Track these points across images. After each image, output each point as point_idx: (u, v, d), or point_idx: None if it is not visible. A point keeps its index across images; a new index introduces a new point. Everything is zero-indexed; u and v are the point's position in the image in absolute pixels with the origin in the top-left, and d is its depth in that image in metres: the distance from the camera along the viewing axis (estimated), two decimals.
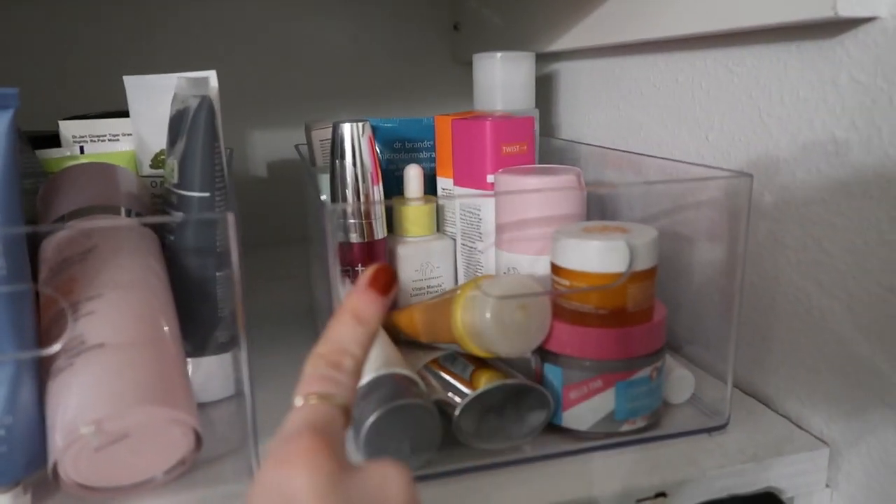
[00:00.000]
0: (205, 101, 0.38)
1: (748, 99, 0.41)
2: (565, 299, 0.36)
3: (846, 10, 0.32)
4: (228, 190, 0.40)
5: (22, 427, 0.31)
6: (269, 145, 0.83)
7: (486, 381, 0.35)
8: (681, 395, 0.40)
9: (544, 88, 0.67)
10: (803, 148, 0.37)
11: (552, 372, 0.36)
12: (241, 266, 0.30)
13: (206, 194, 0.39)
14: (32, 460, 0.31)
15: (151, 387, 0.31)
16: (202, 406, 0.40)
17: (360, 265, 0.49)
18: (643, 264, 0.35)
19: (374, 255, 0.49)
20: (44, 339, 0.32)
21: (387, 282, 0.26)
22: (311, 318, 0.59)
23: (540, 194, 0.44)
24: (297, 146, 0.61)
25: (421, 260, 0.53)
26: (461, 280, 0.53)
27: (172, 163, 0.40)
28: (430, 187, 0.55)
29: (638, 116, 0.52)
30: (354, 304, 0.26)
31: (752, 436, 0.37)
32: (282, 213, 0.83)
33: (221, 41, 0.79)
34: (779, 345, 0.40)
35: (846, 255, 0.35)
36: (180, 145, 0.39)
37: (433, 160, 0.58)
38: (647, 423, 0.37)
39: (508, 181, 0.45)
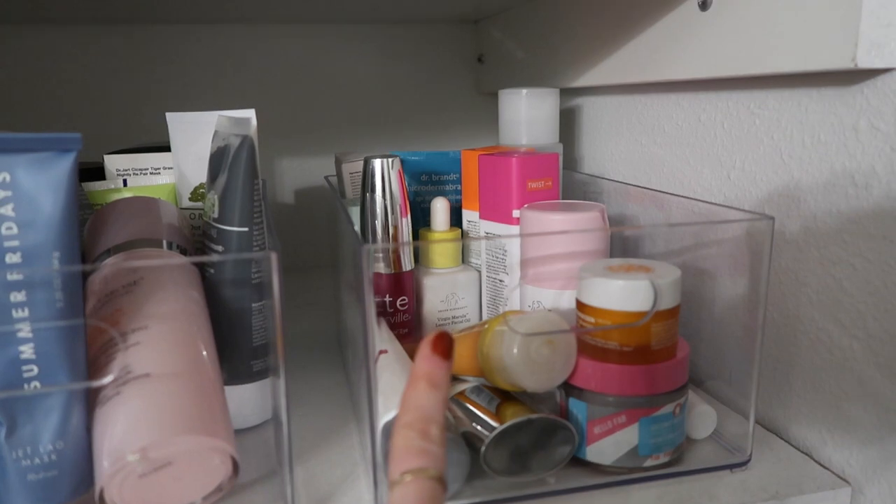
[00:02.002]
0: (246, 141, 0.40)
1: (770, 140, 0.42)
2: (590, 336, 0.37)
3: (865, 62, 0.33)
4: (268, 224, 0.41)
5: (71, 452, 0.32)
6: (296, 172, 0.85)
7: (512, 415, 0.36)
8: (703, 430, 0.41)
9: (567, 122, 0.68)
10: (824, 189, 0.38)
11: (577, 406, 0.37)
12: (282, 300, 0.31)
13: (245, 229, 0.41)
14: (79, 485, 0.33)
15: (194, 416, 0.32)
16: (235, 433, 0.42)
17: (388, 296, 0.51)
18: (667, 303, 0.36)
19: (402, 286, 0.51)
20: (91, 367, 0.34)
21: (448, 346, 0.29)
22: (338, 345, 0.61)
23: (564, 229, 0.45)
24: (327, 178, 0.63)
25: (447, 291, 0.54)
26: (486, 310, 0.54)
27: (213, 198, 0.42)
28: (455, 219, 0.57)
29: (660, 153, 0.54)
30: (426, 370, 0.28)
31: (773, 473, 0.38)
32: (308, 240, 0.85)
33: (251, 73, 0.81)
34: (800, 382, 0.40)
35: (866, 296, 0.36)
36: (221, 181, 0.41)
37: (459, 192, 0.59)
38: (671, 459, 0.38)
39: (534, 218, 0.46)
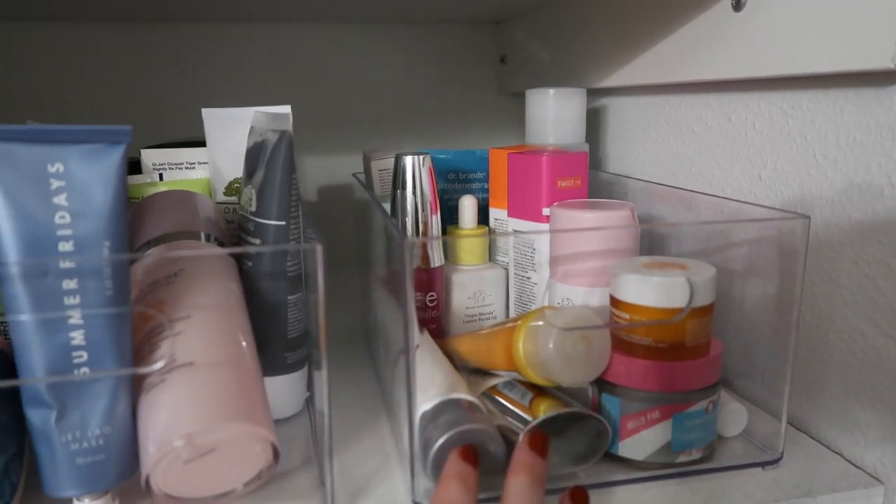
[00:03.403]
0: (285, 136, 0.40)
1: (803, 140, 0.42)
2: (625, 332, 0.37)
3: None
4: (306, 217, 0.42)
5: (117, 438, 0.33)
6: (320, 170, 0.86)
7: (545, 409, 0.37)
8: (734, 428, 0.41)
9: (592, 121, 0.69)
10: (859, 190, 0.38)
11: (610, 402, 0.38)
12: (326, 292, 0.32)
13: (283, 223, 0.41)
14: (125, 470, 0.33)
15: (237, 404, 0.33)
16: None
17: (417, 291, 0.51)
18: (702, 301, 0.36)
19: (432, 282, 0.52)
20: (136, 355, 0.35)
21: (474, 457, 0.32)
22: (364, 341, 0.61)
23: (594, 227, 0.45)
24: (355, 174, 0.63)
25: (474, 288, 0.55)
26: (513, 308, 0.54)
27: (250, 192, 0.43)
28: (482, 217, 0.57)
29: (688, 153, 0.54)
30: (459, 469, 0.31)
31: (806, 471, 0.38)
32: (332, 237, 0.86)
33: (276, 71, 0.82)
34: (832, 382, 0.41)
35: None
36: (259, 176, 0.42)
37: (485, 191, 0.60)
38: (703, 455, 0.38)
39: (565, 215, 0.46)
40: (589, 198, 0.53)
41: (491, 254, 0.57)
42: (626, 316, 0.37)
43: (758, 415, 0.42)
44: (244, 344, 0.37)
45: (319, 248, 0.31)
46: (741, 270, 0.44)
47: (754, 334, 0.44)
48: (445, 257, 0.55)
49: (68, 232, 0.31)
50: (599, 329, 0.37)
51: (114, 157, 0.32)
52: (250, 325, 0.39)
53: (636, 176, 0.62)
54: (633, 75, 0.58)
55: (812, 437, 0.42)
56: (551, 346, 0.36)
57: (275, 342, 0.43)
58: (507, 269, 0.55)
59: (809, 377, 0.42)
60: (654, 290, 0.36)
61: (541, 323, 0.37)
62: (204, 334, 0.35)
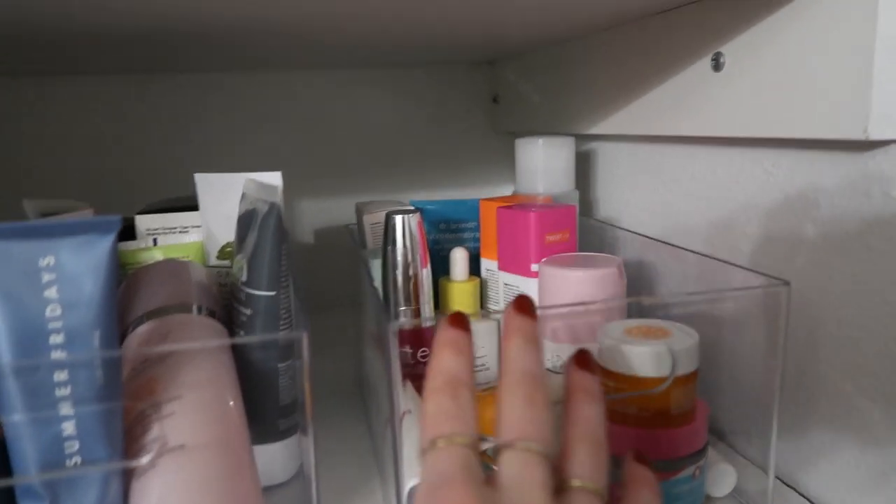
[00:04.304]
0: (274, 208, 0.41)
1: (785, 199, 0.42)
2: (609, 401, 0.37)
3: (876, 134, 0.34)
4: (295, 296, 0.43)
5: None
6: (316, 210, 0.87)
7: None
8: (723, 488, 0.41)
9: (582, 165, 0.70)
10: (840, 252, 0.38)
11: None
12: (310, 378, 0.33)
13: (273, 293, 0.42)
14: None
15: (229, 490, 0.33)
16: (263, 490, 0.43)
17: (408, 347, 0.52)
18: (685, 369, 0.36)
19: (423, 338, 0.52)
20: (127, 436, 0.35)
21: (466, 323, 0.29)
22: (359, 390, 0.62)
23: (583, 284, 0.46)
24: (348, 226, 0.64)
25: None
26: None
27: (241, 261, 0.43)
28: (474, 266, 0.58)
29: (676, 202, 0.55)
30: (450, 336, 0.28)
31: None
32: (325, 279, 0.87)
33: (269, 118, 0.83)
34: (819, 439, 0.41)
35: (883, 360, 0.36)
36: (249, 246, 0.43)
37: (476, 240, 0.61)
38: None
39: (552, 273, 0.47)
40: (578, 249, 0.54)
41: (483, 302, 0.58)
42: (611, 384, 0.37)
43: (748, 469, 0.42)
44: (237, 422, 0.37)
45: (305, 337, 0.32)
46: (726, 325, 0.44)
47: (740, 388, 0.44)
48: (436, 306, 0.56)
49: (59, 324, 0.31)
50: None
51: (103, 247, 0.32)
52: (241, 396, 0.39)
53: (625, 221, 0.63)
54: (620, 125, 0.59)
55: (801, 494, 0.42)
56: None
57: (267, 410, 0.43)
58: (499, 320, 0.55)
59: (796, 431, 0.42)
60: (636, 360, 0.36)
61: None
62: (195, 415, 0.36)
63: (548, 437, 0.25)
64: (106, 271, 0.32)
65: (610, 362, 0.37)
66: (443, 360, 0.28)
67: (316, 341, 0.75)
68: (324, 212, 0.87)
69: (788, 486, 0.43)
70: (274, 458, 0.44)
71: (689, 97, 0.48)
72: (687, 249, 0.46)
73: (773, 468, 0.38)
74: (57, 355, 0.31)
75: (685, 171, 0.53)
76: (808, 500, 0.41)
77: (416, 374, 0.52)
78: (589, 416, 0.27)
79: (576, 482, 0.25)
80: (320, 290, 0.86)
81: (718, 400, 0.46)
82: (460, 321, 0.29)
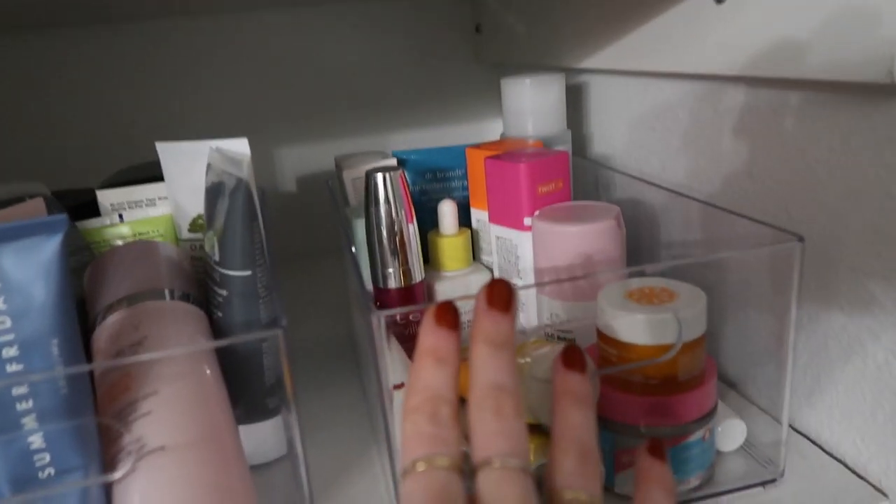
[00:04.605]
0: (241, 185, 0.38)
1: (793, 141, 0.39)
2: (613, 369, 0.35)
3: None
4: (273, 275, 0.40)
5: None
6: (297, 157, 0.83)
7: (536, 452, 0.35)
8: (732, 442, 0.40)
9: (573, 100, 0.65)
10: (856, 200, 0.35)
11: (603, 437, 0.36)
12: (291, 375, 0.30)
13: (248, 273, 0.39)
14: None
15: (214, 491, 0.32)
16: (254, 469, 0.41)
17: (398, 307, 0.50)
18: (693, 334, 0.34)
19: (414, 298, 0.50)
20: (105, 438, 0.33)
21: (453, 316, 0.26)
22: (352, 350, 0.60)
23: (580, 240, 0.43)
24: (328, 182, 0.60)
25: (459, 294, 0.53)
26: None
27: (212, 238, 0.40)
28: (464, 216, 0.55)
29: (674, 141, 0.51)
30: (430, 344, 0.26)
31: (807, 488, 0.37)
32: (311, 227, 0.84)
33: (241, 63, 0.78)
34: (832, 387, 0.39)
35: None
36: (219, 223, 0.39)
37: (465, 188, 0.57)
38: (701, 482, 0.37)
39: (547, 229, 0.44)
40: (572, 195, 0.50)
41: (475, 253, 0.55)
42: (615, 352, 0.35)
43: (759, 418, 0.40)
44: (220, 414, 0.35)
45: (281, 335, 0.29)
46: (733, 275, 0.42)
47: (750, 338, 0.42)
48: (426, 260, 0.53)
49: (10, 337, 0.29)
50: None
51: (50, 249, 0.29)
52: (223, 384, 0.37)
53: (620, 159, 0.60)
54: (612, 59, 0.54)
55: (814, 443, 0.41)
56: (532, 397, 0.34)
57: (253, 389, 0.41)
58: (492, 269, 0.53)
59: (809, 379, 0.41)
60: (640, 328, 0.34)
61: (522, 362, 0.36)
62: (174, 412, 0.34)
63: (523, 449, 0.24)
64: (56, 275, 0.30)
65: (611, 330, 0.35)
66: (421, 375, 0.25)
67: (305, 298, 0.73)
68: (305, 157, 0.83)
69: (801, 433, 0.42)
70: (265, 437, 0.43)
71: (689, 31, 0.44)
72: (689, 197, 0.43)
73: (786, 420, 0.37)
74: (13, 369, 0.29)
75: (684, 108, 0.49)
76: (821, 448, 0.40)
77: (407, 336, 0.50)
78: (577, 423, 0.26)
79: (567, 493, 0.24)
80: (306, 239, 0.84)
81: (726, 348, 0.44)
82: (445, 318, 0.26)
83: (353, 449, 0.45)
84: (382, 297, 0.49)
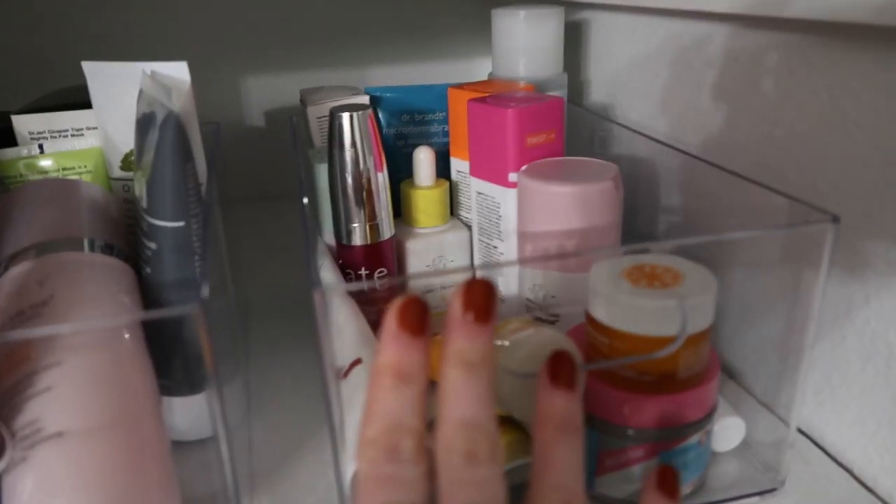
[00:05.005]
0: (171, 118, 0.31)
1: (829, 99, 0.33)
2: (604, 360, 0.30)
3: None
4: (208, 216, 0.34)
5: None
6: (264, 88, 0.75)
7: (507, 447, 0.31)
8: (729, 442, 0.35)
9: (572, 39, 0.58)
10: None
11: (587, 434, 0.32)
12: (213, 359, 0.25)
13: (181, 224, 0.33)
14: None
15: (124, 489, 0.27)
16: (189, 445, 0.36)
17: (364, 269, 0.44)
18: (699, 325, 0.29)
19: (381, 257, 0.44)
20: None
21: (420, 316, 0.21)
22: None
23: (572, 202, 0.37)
24: (291, 119, 0.54)
25: (433, 254, 0.47)
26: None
27: (141, 180, 0.34)
28: (444, 167, 0.49)
29: (684, 92, 0.45)
30: (390, 358, 0.21)
31: (809, 499, 0.33)
32: (278, 163, 0.77)
33: None
34: (845, 387, 0.35)
35: None
36: (146, 163, 0.33)
37: (446, 134, 0.51)
38: (693, 489, 0.33)
39: (535, 189, 0.38)
40: (567, 142, 0.44)
41: (453, 208, 0.49)
42: (605, 341, 0.30)
43: (757, 413, 0.36)
44: (137, 392, 0.30)
45: (199, 314, 0.23)
46: (745, 254, 0.37)
47: (758, 327, 0.37)
48: (398, 216, 0.47)
49: None
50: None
51: None
52: (147, 355, 0.32)
53: (621, 110, 0.53)
54: None
55: (817, 445, 0.36)
56: (506, 390, 0.29)
57: (186, 359, 0.36)
58: (470, 228, 0.47)
59: (818, 376, 0.36)
60: (639, 317, 0.29)
61: (496, 343, 0.30)
62: (79, 389, 0.28)
63: (498, 501, 0.20)
64: None
65: (603, 315, 0.30)
66: (379, 398, 0.21)
67: (266, 242, 0.67)
68: (272, 87, 0.75)
69: (803, 433, 0.37)
70: (199, 410, 0.38)
71: None
72: (700, 158, 0.37)
73: (793, 429, 0.32)
74: None
75: (700, 55, 0.43)
76: (826, 452, 0.36)
77: (374, 300, 0.45)
78: (561, 460, 0.22)
79: None
80: (272, 180, 0.77)
81: (728, 334, 0.40)
82: (409, 320, 0.21)
83: (306, 424, 0.40)
84: (345, 255, 0.44)
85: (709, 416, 0.31)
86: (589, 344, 0.31)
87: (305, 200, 0.35)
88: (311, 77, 0.75)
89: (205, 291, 0.24)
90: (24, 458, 0.26)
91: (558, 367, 0.23)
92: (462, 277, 0.22)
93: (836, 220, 0.28)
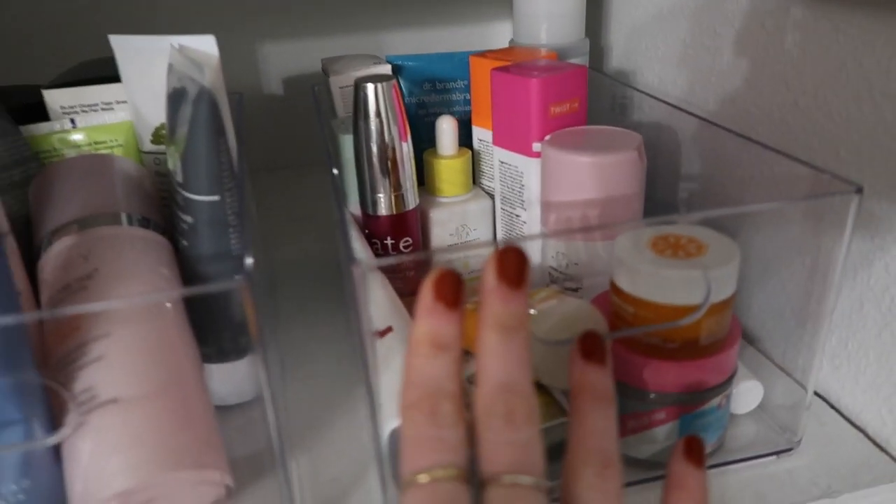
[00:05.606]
0: (204, 94, 0.32)
1: (857, 67, 0.33)
2: (628, 327, 0.31)
3: None
4: (242, 189, 0.35)
5: (40, 488, 0.29)
6: (283, 56, 0.75)
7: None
8: (747, 405, 0.36)
9: (593, 6, 0.58)
10: None
11: None
12: (260, 328, 0.26)
13: (216, 198, 0.34)
14: None
15: (177, 448, 0.28)
16: (229, 409, 0.38)
17: (389, 238, 0.45)
18: (722, 294, 0.30)
19: (406, 226, 0.45)
20: (56, 372, 0.29)
21: (455, 289, 0.22)
22: (340, 273, 0.56)
23: (596, 174, 0.38)
24: (314, 88, 0.54)
25: (456, 223, 0.48)
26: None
27: (174, 154, 0.35)
28: (465, 135, 0.49)
29: (708, 60, 0.45)
30: (428, 327, 0.22)
31: (825, 460, 0.34)
32: (298, 133, 0.77)
33: None
34: (862, 353, 0.36)
35: None
36: (181, 137, 0.34)
37: (467, 102, 0.51)
38: (712, 450, 0.34)
39: (558, 158, 0.39)
40: (589, 119, 0.45)
41: (475, 177, 0.50)
42: (630, 309, 0.31)
43: (775, 377, 0.37)
44: (183, 359, 0.31)
45: (245, 288, 0.25)
46: (767, 224, 0.37)
47: (778, 294, 0.38)
48: (421, 184, 0.48)
49: None
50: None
51: None
52: (188, 323, 0.33)
53: (644, 77, 0.53)
54: None
55: (832, 406, 0.38)
56: (537, 358, 0.31)
57: (225, 327, 0.37)
58: (493, 197, 0.48)
59: (835, 342, 0.37)
60: (665, 286, 0.30)
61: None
62: (129, 358, 0.30)
63: (536, 462, 0.21)
64: None
65: (628, 284, 0.31)
66: (418, 366, 0.22)
67: (292, 213, 0.68)
68: (291, 55, 0.75)
69: (819, 396, 0.38)
70: (239, 376, 0.39)
71: None
72: (725, 128, 0.37)
73: (811, 392, 0.34)
74: None
75: (726, 21, 0.43)
76: (841, 414, 0.37)
77: (400, 269, 0.46)
78: (597, 427, 0.23)
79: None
80: (293, 149, 0.78)
81: (748, 301, 0.40)
82: (445, 292, 0.22)
83: (339, 387, 0.41)
84: (371, 225, 0.45)
85: (729, 380, 0.32)
86: (613, 312, 0.33)
87: (336, 171, 0.36)
88: (330, 44, 0.75)
89: (249, 264, 0.25)
90: (83, 424, 0.28)
91: (590, 346, 0.24)
92: (488, 251, 0.23)
93: (859, 190, 0.28)
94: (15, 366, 0.26)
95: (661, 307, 0.30)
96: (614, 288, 0.32)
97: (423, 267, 0.46)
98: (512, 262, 0.22)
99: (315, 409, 0.40)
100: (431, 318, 0.22)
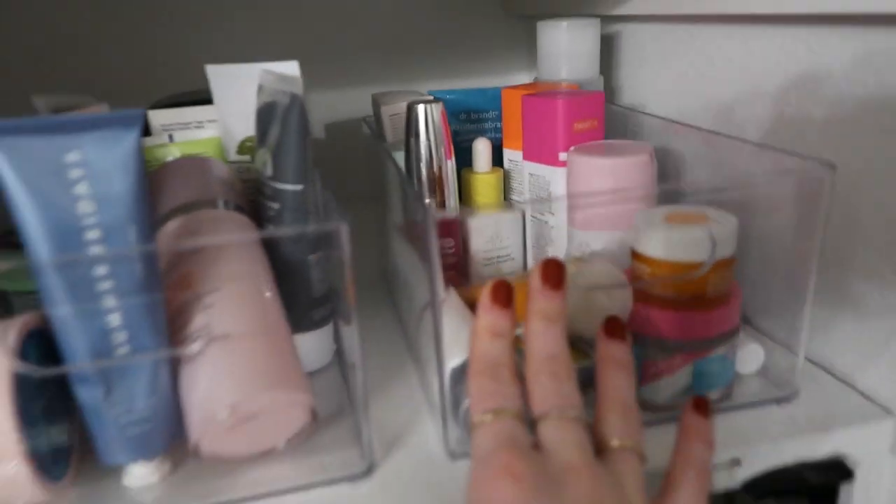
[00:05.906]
0: (296, 101, 0.40)
1: (829, 79, 0.41)
2: (647, 284, 0.38)
3: None
4: (327, 192, 0.42)
5: (163, 407, 0.34)
6: (322, 104, 0.84)
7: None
8: (751, 366, 0.42)
9: (606, 49, 0.67)
10: (888, 134, 0.37)
11: (633, 350, 0.39)
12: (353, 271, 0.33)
13: (300, 187, 0.41)
14: (172, 436, 0.35)
15: (274, 372, 0.34)
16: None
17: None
18: (724, 253, 0.36)
19: (450, 231, 0.52)
20: (171, 327, 0.36)
21: (507, 295, 0.30)
22: (383, 283, 0.62)
23: (613, 173, 0.45)
24: (364, 118, 0.62)
25: (490, 232, 0.55)
26: (530, 250, 0.55)
27: (265, 155, 0.42)
28: (496, 157, 0.57)
29: (706, 86, 0.53)
30: (487, 322, 0.30)
31: (819, 406, 0.40)
32: (343, 170, 0.85)
33: (275, 13, 0.79)
34: (848, 319, 0.41)
35: None
36: (273, 139, 0.41)
37: (498, 130, 0.59)
38: (722, 395, 0.39)
39: (582, 162, 0.46)
40: (605, 137, 0.52)
41: (506, 193, 0.57)
42: (648, 269, 0.37)
43: (774, 349, 0.43)
44: (274, 311, 0.38)
45: (344, 229, 0.31)
46: (759, 209, 0.44)
47: (770, 272, 0.44)
48: (460, 199, 0.55)
49: (94, 220, 0.31)
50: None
51: (129, 141, 0.32)
52: (276, 288, 0.40)
53: (653, 108, 0.61)
54: (646, 3, 0.56)
55: (826, 371, 0.43)
56: (573, 303, 0.37)
57: (301, 301, 0.44)
58: (523, 210, 0.55)
59: (823, 311, 0.43)
60: (675, 245, 0.36)
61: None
62: (235, 306, 0.36)
63: (578, 403, 0.28)
64: (135, 165, 0.32)
65: (648, 247, 0.37)
66: (481, 346, 0.29)
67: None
68: (331, 104, 0.84)
69: (815, 363, 0.44)
70: (309, 348, 0.45)
71: None
72: (719, 133, 0.45)
73: (803, 345, 0.39)
74: (95, 250, 0.31)
75: (719, 52, 0.51)
76: (834, 376, 0.42)
77: (444, 266, 0.53)
78: (619, 385, 0.30)
79: (614, 441, 0.28)
80: (337, 187, 0.85)
81: (747, 284, 0.46)
82: (500, 297, 0.30)
83: (390, 365, 0.47)
84: (416, 231, 0.52)
85: (733, 332, 0.38)
86: (634, 277, 0.39)
87: (398, 163, 0.43)
88: (366, 94, 0.84)
89: (344, 214, 0.32)
90: (203, 353, 0.34)
91: (612, 327, 0.32)
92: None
93: (832, 166, 0.35)
94: (152, 288, 0.33)
95: (673, 264, 0.36)
96: (634, 254, 0.38)
97: (460, 267, 0.52)
98: (552, 270, 0.30)
99: (374, 371, 0.46)
100: (490, 315, 0.30)
